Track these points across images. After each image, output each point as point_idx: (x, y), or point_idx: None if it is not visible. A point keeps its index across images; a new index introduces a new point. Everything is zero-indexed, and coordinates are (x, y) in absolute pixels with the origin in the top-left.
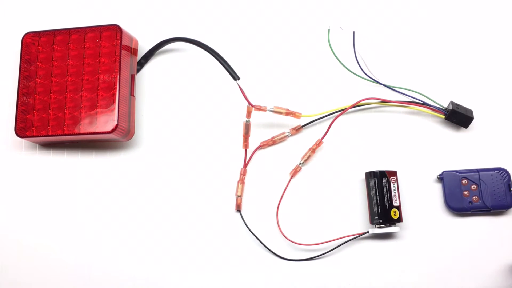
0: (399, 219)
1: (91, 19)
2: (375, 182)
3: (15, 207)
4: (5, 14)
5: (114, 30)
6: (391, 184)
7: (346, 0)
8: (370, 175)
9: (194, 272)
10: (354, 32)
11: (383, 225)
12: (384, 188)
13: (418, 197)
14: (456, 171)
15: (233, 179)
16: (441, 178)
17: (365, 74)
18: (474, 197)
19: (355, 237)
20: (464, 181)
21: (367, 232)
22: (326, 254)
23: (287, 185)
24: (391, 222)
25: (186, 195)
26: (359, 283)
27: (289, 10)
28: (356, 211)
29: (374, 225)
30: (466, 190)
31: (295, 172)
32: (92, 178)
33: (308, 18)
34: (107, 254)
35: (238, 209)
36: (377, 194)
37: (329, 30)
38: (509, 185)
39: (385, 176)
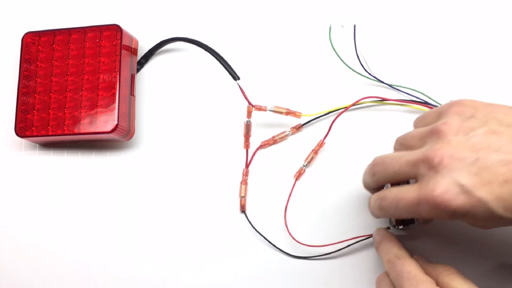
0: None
1: (91, 19)
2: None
3: (15, 207)
4: (5, 14)
5: (114, 30)
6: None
7: None
8: None
9: (198, 274)
10: (355, 26)
11: (405, 225)
12: None
13: None
14: None
15: (235, 180)
16: None
17: (367, 72)
18: None
19: (368, 237)
20: None
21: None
22: (338, 251)
23: (292, 189)
24: (411, 221)
25: (189, 196)
26: (363, 281)
27: (290, 9)
28: (358, 212)
29: (397, 226)
30: None
31: (299, 174)
32: (92, 178)
33: (309, 17)
34: (108, 255)
35: (243, 210)
36: None
37: (330, 28)
38: None
39: None
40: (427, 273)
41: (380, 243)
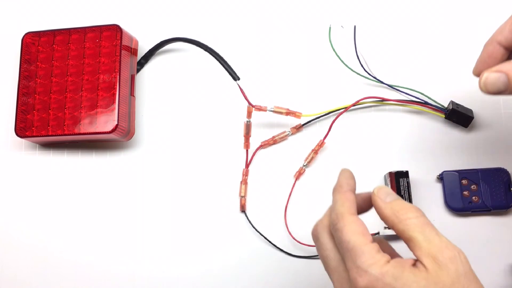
0: None
1: (91, 19)
2: (407, 182)
3: (15, 207)
4: (5, 14)
5: (114, 30)
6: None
7: None
8: (400, 175)
9: (198, 273)
10: (355, 26)
11: None
12: (410, 187)
13: (418, 197)
14: (456, 171)
15: (235, 180)
16: (441, 178)
17: (367, 72)
18: (474, 197)
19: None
20: (464, 181)
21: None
22: None
23: (292, 188)
24: None
25: (189, 196)
26: None
27: (290, 9)
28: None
29: None
30: (466, 190)
31: (299, 174)
32: (92, 178)
33: (309, 17)
34: (108, 254)
35: (243, 209)
36: (409, 194)
37: (330, 28)
38: (509, 185)
39: (408, 176)
40: (383, 217)
41: (332, 192)
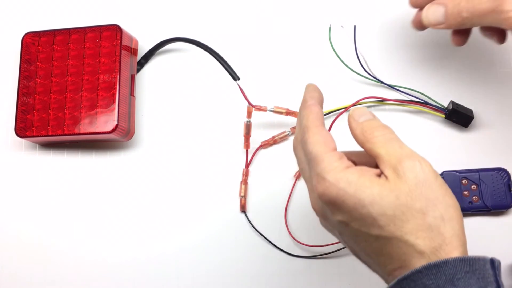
0: None
1: (91, 19)
2: None
3: (15, 207)
4: (5, 14)
5: (114, 30)
6: None
7: None
8: None
9: (198, 274)
10: (355, 26)
11: None
12: None
13: None
14: (456, 171)
15: (235, 180)
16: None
17: (367, 72)
18: (474, 197)
19: None
20: (464, 181)
21: None
22: (338, 251)
23: (292, 188)
24: None
25: (189, 196)
26: (362, 280)
27: (290, 9)
28: None
29: None
30: (466, 190)
31: (299, 174)
32: (92, 178)
33: (309, 17)
34: (108, 254)
35: (243, 209)
36: None
37: (330, 28)
38: (509, 185)
39: None
40: (354, 137)
41: (299, 109)
